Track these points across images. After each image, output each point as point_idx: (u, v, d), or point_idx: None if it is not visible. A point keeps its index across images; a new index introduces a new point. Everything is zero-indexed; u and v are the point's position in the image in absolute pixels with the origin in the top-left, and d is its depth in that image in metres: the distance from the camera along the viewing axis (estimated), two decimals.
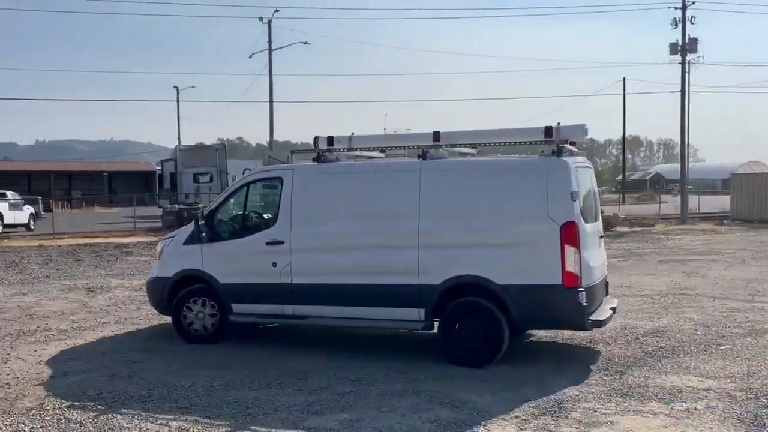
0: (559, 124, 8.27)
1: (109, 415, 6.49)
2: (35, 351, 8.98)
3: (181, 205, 32.22)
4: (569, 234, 7.79)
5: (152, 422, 6.34)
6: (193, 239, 9.55)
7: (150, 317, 11.13)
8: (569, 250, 7.77)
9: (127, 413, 6.55)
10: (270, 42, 42.74)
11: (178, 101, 61.02)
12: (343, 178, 8.98)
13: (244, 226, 9.48)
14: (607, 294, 9.09)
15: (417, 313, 8.35)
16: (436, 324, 8.40)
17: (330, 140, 9.20)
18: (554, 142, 8.15)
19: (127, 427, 6.22)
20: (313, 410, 6.63)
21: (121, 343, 9.48)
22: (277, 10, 43.41)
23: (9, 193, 36.76)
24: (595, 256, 8.47)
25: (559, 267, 7.77)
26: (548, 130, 8.19)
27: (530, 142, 8.42)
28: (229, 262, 9.25)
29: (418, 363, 8.12)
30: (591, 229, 8.39)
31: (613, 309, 8.74)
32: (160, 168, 43.32)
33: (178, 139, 56.12)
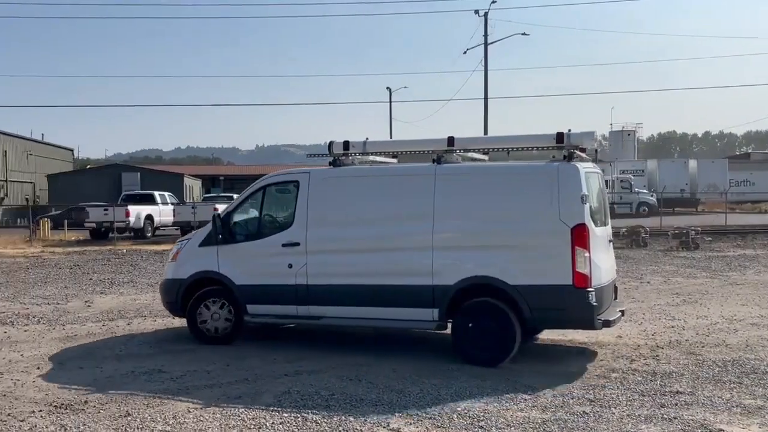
0: (569, 130, 8.69)
1: (343, 417, 6.60)
2: (271, 349, 9.42)
3: None
4: (580, 236, 8.17)
5: (384, 428, 6.35)
6: (209, 241, 9.87)
7: None
8: (579, 252, 8.15)
9: (359, 416, 6.62)
10: (486, 35, 42.11)
11: (390, 102, 62.00)
12: (359, 181, 9.35)
13: (261, 228, 9.78)
14: (616, 298, 9.42)
15: (431, 313, 8.71)
16: (448, 324, 8.73)
17: (346, 145, 9.60)
18: (565, 147, 8.59)
19: (361, 430, 6.29)
20: (548, 429, 6.30)
21: (347, 345, 9.72)
22: (494, 1, 41.53)
23: (236, 197, 39.78)
24: (605, 259, 8.86)
25: (569, 268, 8.15)
26: (560, 136, 8.62)
27: (542, 148, 8.93)
28: (245, 264, 9.57)
29: (665, 386, 7.50)
30: (600, 232, 8.77)
31: (622, 312, 9.13)
32: None
33: None
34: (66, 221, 32.73)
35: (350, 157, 9.66)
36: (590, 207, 8.41)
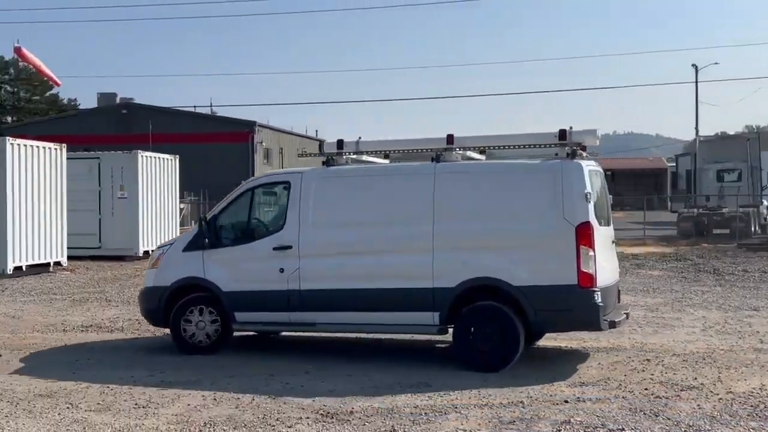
0: (571, 128, 9.24)
1: None
2: (550, 369, 9.26)
3: (700, 210, 30.70)
4: (584, 234, 8.70)
5: None
6: (194, 246, 10.27)
7: (681, 344, 10.65)
8: (584, 251, 8.68)
9: None
10: None
11: (696, 83, 58.01)
12: (355, 181, 9.90)
13: (250, 232, 10.29)
14: (619, 301, 10.04)
15: (431, 317, 9.24)
16: (449, 329, 9.30)
17: (339, 144, 10.12)
18: (568, 144, 9.13)
19: None
20: None
21: (638, 373, 9.22)
22: None
23: None
24: (609, 260, 9.58)
25: (574, 267, 8.69)
26: (562, 134, 9.14)
27: (545, 146, 9.37)
28: (233, 269, 10.02)
29: None
30: (604, 232, 9.40)
31: (627, 314, 9.84)
32: (674, 164, 42.21)
33: (696, 129, 53.74)
34: None
35: (344, 157, 10.17)
36: (594, 205, 8.97)
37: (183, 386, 8.57)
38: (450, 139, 9.68)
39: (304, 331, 10.49)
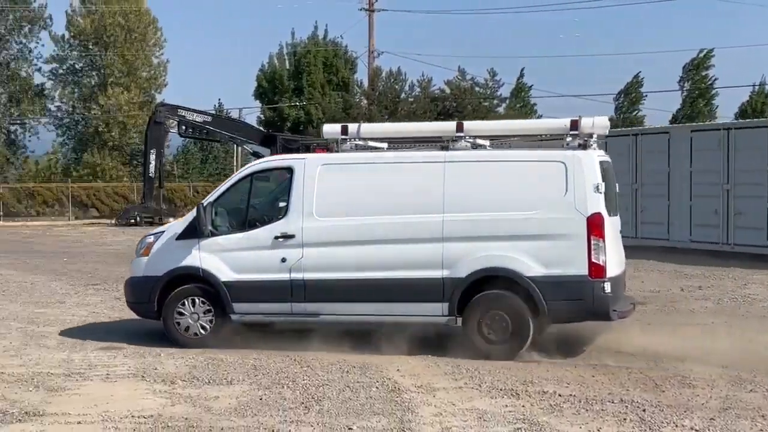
0: (580, 117, 10.19)
1: None
2: None
3: None
4: (595, 226, 9.61)
5: None
6: (188, 234, 10.83)
7: None
8: (595, 242, 9.59)
9: None
10: None
11: None
12: (361, 168, 10.65)
13: (250, 220, 10.93)
14: (624, 290, 10.95)
15: (440, 308, 10.08)
16: (458, 320, 10.04)
17: (344, 129, 10.83)
18: (579, 135, 10.03)
19: None
20: None
21: None
22: None
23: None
24: (617, 250, 10.47)
25: (585, 258, 9.60)
26: (574, 123, 10.04)
27: (556, 135, 10.47)
28: (231, 259, 10.65)
29: None
30: (613, 222, 10.28)
31: (633, 304, 10.81)
32: None
33: None
34: None
35: (348, 143, 10.83)
36: (604, 196, 9.76)
37: None
38: (460, 126, 10.65)
39: (305, 322, 10.98)
